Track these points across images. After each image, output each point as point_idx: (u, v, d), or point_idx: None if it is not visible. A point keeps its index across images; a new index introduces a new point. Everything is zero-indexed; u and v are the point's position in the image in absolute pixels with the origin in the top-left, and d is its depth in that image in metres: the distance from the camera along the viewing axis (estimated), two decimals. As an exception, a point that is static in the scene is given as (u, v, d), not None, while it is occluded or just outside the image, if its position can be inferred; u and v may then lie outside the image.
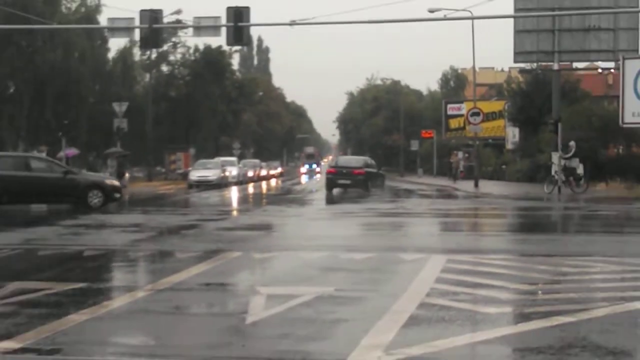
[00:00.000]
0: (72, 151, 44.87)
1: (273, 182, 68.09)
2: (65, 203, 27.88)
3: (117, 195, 28.66)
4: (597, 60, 46.88)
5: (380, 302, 9.41)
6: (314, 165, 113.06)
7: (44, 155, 47.17)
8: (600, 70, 52.39)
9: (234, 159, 62.09)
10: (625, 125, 38.60)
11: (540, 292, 10.26)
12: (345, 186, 38.16)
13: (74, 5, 52.60)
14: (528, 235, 19.64)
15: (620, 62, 38.59)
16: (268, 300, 9.49)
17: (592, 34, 41.95)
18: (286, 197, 40.19)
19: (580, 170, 35.16)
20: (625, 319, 8.61)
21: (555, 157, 35.58)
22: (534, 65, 48.44)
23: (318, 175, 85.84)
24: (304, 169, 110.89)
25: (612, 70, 50.25)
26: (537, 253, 14.36)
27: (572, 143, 35.17)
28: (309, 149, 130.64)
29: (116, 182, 30.14)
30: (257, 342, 7.64)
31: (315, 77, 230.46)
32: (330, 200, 33.29)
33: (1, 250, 15.03)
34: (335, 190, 37.97)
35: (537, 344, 7.43)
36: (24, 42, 48.02)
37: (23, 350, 7.27)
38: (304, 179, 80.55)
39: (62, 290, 10.32)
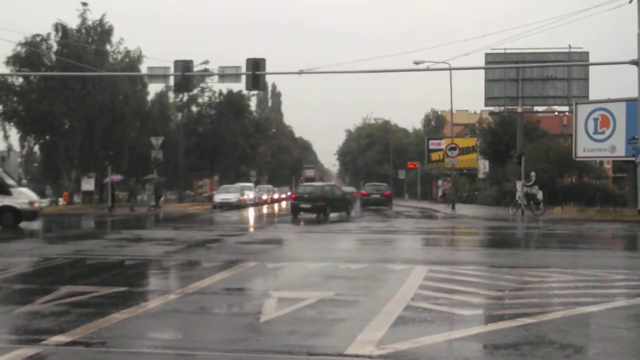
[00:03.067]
0: (117, 177, 44.87)
1: (283, 204, 67.99)
2: None
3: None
4: (553, 105, 46.98)
5: (372, 305, 9.38)
6: None
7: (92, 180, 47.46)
8: (556, 113, 52.60)
9: (251, 184, 62.05)
10: (577, 159, 38.75)
11: (506, 297, 10.21)
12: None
13: (119, 56, 52.71)
14: (496, 250, 19.58)
15: (574, 107, 38.77)
16: (279, 302, 9.47)
17: (549, 83, 42.19)
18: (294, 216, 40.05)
19: (540, 196, 35.17)
20: (578, 321, 8.58)
21: (519, 185, 35.60)
22: (501, 108, 48.55)
23: None
24: None
25: (567, 113, 50.35)
26: (503, 265, 14.29)
27: (533, 173, 35.19)
28: (309, 172, 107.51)
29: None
30: (269, 338, 7.60)
31: (320, 112, 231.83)
32: (329, 219, 33.15)
33: (55, 259, 15.03)
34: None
35: (504, 341, 7.41)
36: (77, 86, 48.08)
37: (73, 343, 7.26)
38: None
39: (106, 293, 10.30)
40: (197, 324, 8.51)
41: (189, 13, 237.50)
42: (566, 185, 43.49)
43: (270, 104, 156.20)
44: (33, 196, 27.87)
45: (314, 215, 34.33)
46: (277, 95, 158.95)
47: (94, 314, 8.68)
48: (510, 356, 6.90)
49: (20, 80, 49.60)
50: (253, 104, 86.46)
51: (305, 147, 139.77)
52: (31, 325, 8.20)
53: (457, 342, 7.46)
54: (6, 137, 50.98)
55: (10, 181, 27.72)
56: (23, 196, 26.90)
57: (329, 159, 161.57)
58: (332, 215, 34.84)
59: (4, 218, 25.97)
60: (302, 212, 35.28)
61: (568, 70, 41.80)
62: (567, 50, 41.86)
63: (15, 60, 47.89)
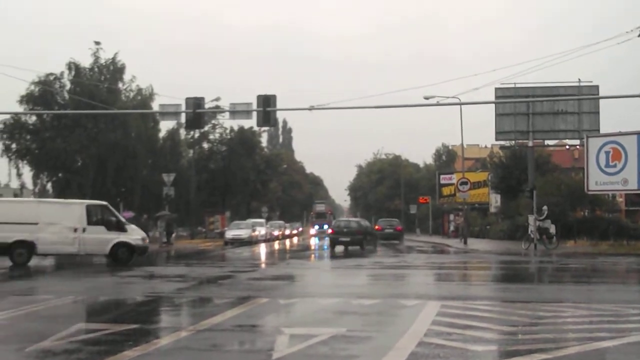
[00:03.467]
0: (129, 213, 44.92)
1: (295, 239, 67.87)
2: None
3: None
4: (564, 138, 47.00)
5: (385, 341, 9.31)
6: (325, 226, 71.90)
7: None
8: (567, 147, 52.49)
9: (262, 220, 62.07)
10: (589, 192, 38.50)
11: (520, 333, 10.12)
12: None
13: (131, 94, 53.18)
14: (509, 285, 19.46)
15: (585, 140, 38.67)
16: (291, 339, 9.41)
17: (560, 117, 42.19)
18: (305, 252, 40.04)
19: (552, 230, 34.99)
20: (593, 356, 8.50)
21: (531, 219, 35.45)
22: (512, 142, 48.55)
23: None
24: (313, 230, 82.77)
25: (578, 147, 50.27)
26: (516, 299, 14.19)
27: (545, 207, 35.05)
28: (320, 207, 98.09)
29: None
30: (281, 375, 7.55)
31: (331, 148, 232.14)
32: (342, 254, 33.04)
33: (67, 296, 15.01)
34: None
35: (518, 377, 7.32)
36: (90, 124, 48.48)
37: (85, 381, 7.22)
38: (313, 242, 59.73)
39: (118, 331, 10.27)
40: (209, 361, 8.46)
41: (200, 47, 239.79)
42: (579, 219, 43.28)
43: (281, 140, 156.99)
44: (143, 233, 29.21)
45: (341, 248, 35.17)
46: (288, 132, 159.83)
47: (105, 352, 8.64)
48: (525, 393, 6.82)
49: (34, 118, 50.06)
50: (264, 140, 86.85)
51: (316, 183, 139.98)
52: (43, 364, 8.17)
53: (471, 378, 7.38)
54: (19, 174, 51.21)
55: (122, 219, 29.20)
56: (136, 232, 28.18)
57: (340, 194, 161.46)
58: (352, 247, 35.32)
59: (120, 253, 27.08)
60: (341, 245, 37.42)
61: (578, 104, 41.82)
62: (577, 84, 41.92)
63: (28, 99, 48.36)
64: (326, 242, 45.26)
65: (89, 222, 26.97)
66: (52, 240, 26.30)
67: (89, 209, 27.46)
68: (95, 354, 8.58)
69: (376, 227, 53.91)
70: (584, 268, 24.60)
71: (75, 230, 26.61)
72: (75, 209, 27.27)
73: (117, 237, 27.16)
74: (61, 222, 26.64)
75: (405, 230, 77.54)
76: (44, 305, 13.87)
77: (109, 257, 27.19)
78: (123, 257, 26.98)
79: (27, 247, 26.09)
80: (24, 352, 8.83)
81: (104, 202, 29.28)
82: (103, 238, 26.94)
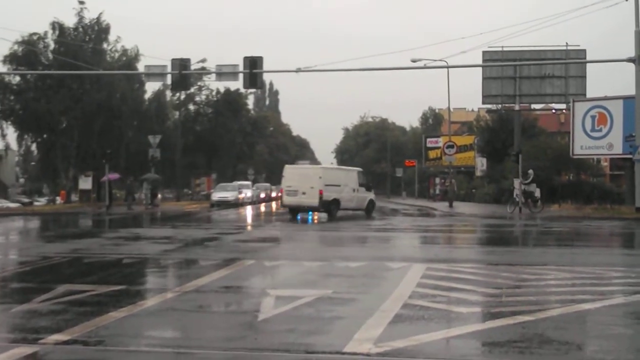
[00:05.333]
0: (114, 175, 44.76)
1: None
2: None
3: None
4: (551, 102, 47.10)
5: (370, 303, 9.38)
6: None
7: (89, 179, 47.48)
8: (554, 111, 52.43)
9: (248, 182, 61.93)
10: (575, 156, 38.79)
11: (504, 295, 10.24)
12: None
13: (116, 55, 52.61)
14: (494, 248, 19.61)
15: (571, 104, 38.81)
16: (276, 300, 9.47)
17: (547, 81, 42.30)
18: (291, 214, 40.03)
19: (537, 193, 35.16)
20: (575, 318, 8.60)
21: (516, 182, 35.61)
22: (499, 106, 48.59)
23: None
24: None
25: (564, 111, 50.33)
26: (501, 262, 14.32)
27: (530, 171, 35.19)
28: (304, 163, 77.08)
29: None
30: (267, 336, 7.61)
31: (317, 112, 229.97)
32: (328, 217, 33.12)
33: (53, 258, 15.02)
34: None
35: (502, 339, 7.41)
36: (74, 85, 48.05)
37: (71, 341, 7.26)
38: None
39: (104, 292, 10.30)
40: (195, 322, 8.51)
41: (185, 18, 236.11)
42: (564, 183, 43.53)
43: (267, 102, 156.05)
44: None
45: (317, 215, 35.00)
46: (274, 94, 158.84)
47: (91, 313, 8.68)
48: (507, 354, 6.91)
49: (17, 78, 49.60)
50: (250, 102, 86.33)
51: (302, 145, 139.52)
52: (29, 324, 8.19)
53: (455, 339, 7.47)
54: (3, 135, 50.92)
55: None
56: (372, 192, 36.99)
57: (326, 158, 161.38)
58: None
59: (370, 208, 35.68)
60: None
61: (565, 68, 41.89)
62: (565, 48, 41.96)
63: (12, 59, 47.81)
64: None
65: (359, 184, 35.32)
66: (346, 198, 34.21)
67: (358, 174, 36.37)
68: (82, 314, 8.60)
69: None
70: (568, 231, 24.81)
71: (354, 190, 34.90)
72: (353, 174, 36.15)
73: (369, 195, 35.96)
74: (348, 184, 34.66)
75: (391, 194, 77.92)
76: (30, 266, 13.87)
77: (364, 211, 34.94)
78: (371, 210, 35.39)
79: (337, 204, 33.54)
80: (10, 313, 8.86)
81: (360, 169, 39.36)
82: (363, 196, 35.41)
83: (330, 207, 33.13)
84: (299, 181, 33.25)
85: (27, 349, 6.90)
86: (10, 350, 6.81)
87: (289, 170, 35.16)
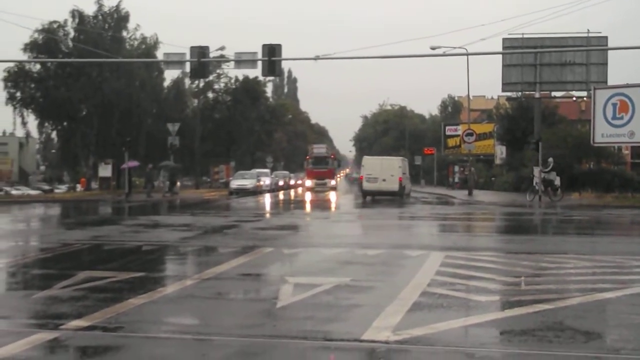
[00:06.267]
0: (133, 163, 44.96)
1: (300, 189, 68.08)
2: None
3: None
4: (572, 90, 46.65)
5: (389, 291, 9.38)
6: (327, 180, 56.60)
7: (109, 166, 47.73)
8: (574, 99, 52.08)
9: (267, 170, 62.05)
10: (595, 144, 38.37)
11: (523, 283, 10.19)
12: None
13: (136, 43, 52.78)
14: (513, 236, 19.54)
15: (592, 92, 38.40)
16: (295, 288, 9.49)
17: (568, 68, 41.87)
18: (309, 202, 40.11)
19: (557, 182, 34.93)
20: (595, 307, 8.55)
21: (536, 170, 35.38)
22: (519, 93, 48.23)
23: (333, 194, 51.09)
24: (309, 182, 57.45)
25: (585, 99, 49.93)
26: (520, 251, 14.25)
27: (550, 159, 34.95)
28: (320, 149, 61.73)
29: None
30: (286, 323, 7.63)
31: (336, 100, 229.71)
32: (347, 204, 33.13)
33: (73, 245, 15.14)
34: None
35: (520, 327, 7.39)
36: (94, 73, 48.27)
37: (91, 327, 7.32)
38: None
39: (124, 279, 10.36)
40: (214, 309, 8.55)
41: (203, 8, 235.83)
42: (584, 171, 43.21)
43: (286, 90, 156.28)
44: None
45: (331, 201, 35.59)
46: (293, 82, 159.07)
47: (111, 299, 8.74)
48: (526, 342, 6.89)
49: (38, 67, 49.83)
50: (269, 90, 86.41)
51: (321, 133, 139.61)
52: (49, 310, 8.27)
53: (474, 328, 7.45)
54: (24, 123, 51.16)
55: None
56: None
57: (345, 146, 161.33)
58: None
59: (401, 192, 39.00)
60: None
61: (587, 55, 41.44)
62: (586, 34, 41.48)
63: (32, 47, 48.09)
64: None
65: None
66: (407, 184, 40.19)
67: (397, 162, 40.38)
68: (102, 301, 8.67)
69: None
70: (588, 220, 24.64)
71: (408, 178, 40.93)
72: (406, 164, 42.26)
73: (407, 182, 40.58)
74: (406, 172, 40.35)
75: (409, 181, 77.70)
76: (51, 253, 13.98)
77: (406, 196, 39.59)
78: (409, 195, 40.49)
79: (403, 189, 38.40)
80: (31, 299, 8.95)
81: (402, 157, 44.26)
82: (409, 183, 41.11)
83: (402, 192, 38.67)
84: (380, 170, 38.41)
85: (48, 335, 6.97)
86: (32, 336, 6.88)
87: (368, 161, 40.73)
